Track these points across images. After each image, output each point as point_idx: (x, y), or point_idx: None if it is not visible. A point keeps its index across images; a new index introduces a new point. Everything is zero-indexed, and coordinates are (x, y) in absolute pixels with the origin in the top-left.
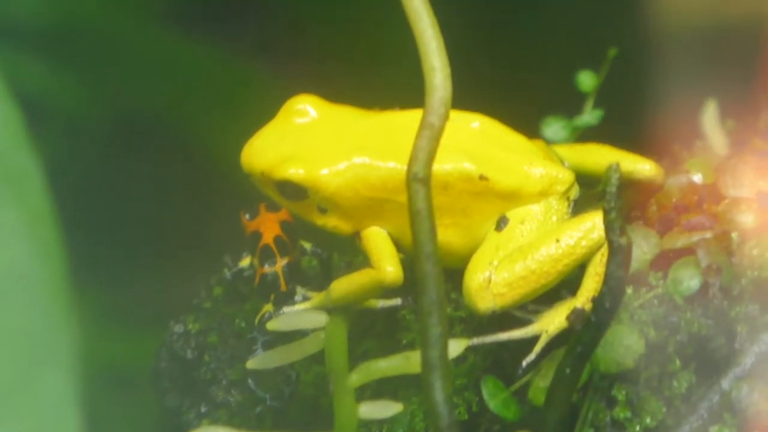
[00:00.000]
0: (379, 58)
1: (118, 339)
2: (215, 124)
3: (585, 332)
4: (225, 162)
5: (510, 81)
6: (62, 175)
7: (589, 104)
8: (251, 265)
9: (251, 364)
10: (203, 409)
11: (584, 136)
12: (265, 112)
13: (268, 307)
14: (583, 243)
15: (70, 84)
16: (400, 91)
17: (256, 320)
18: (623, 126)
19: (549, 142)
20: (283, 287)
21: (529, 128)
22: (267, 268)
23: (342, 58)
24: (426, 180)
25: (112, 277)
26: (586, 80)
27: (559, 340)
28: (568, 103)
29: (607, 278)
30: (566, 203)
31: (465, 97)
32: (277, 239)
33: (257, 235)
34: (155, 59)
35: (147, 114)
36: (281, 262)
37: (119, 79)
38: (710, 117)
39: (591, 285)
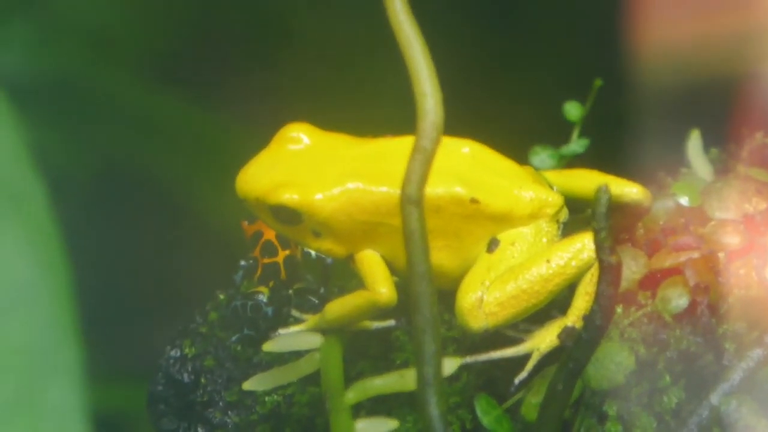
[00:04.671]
0: (369, 92)
1: (114, 376)
2: (199, 175)
3: (576, 349)
4: (209, 210)
5: (498, 111)
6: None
7: (575, 133)
8: (245, 294)
9: (248, 385)
10: (200, 431)
11: (571, 165)
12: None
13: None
14: (573, 263)
15: (56, 137)
16: (391, 122)
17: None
18: (609, 155)
19: (537, 170)
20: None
21: (517, 157)
22: (269, 259)
23: (332, 94)
24: (419, 202)
25: (104, 316)
26: (573, 110)
27: (550, 358)
28: (555, 133)
29: (598, 296)
30: (556, 225)
31: (453, 128)
32: (278, 236)
33: (259, 234)
34: (140, 114)
35: (132, 166)
36: (283, 254)
37: (105, 132)
38: (694, 145)
39: (581, 304)
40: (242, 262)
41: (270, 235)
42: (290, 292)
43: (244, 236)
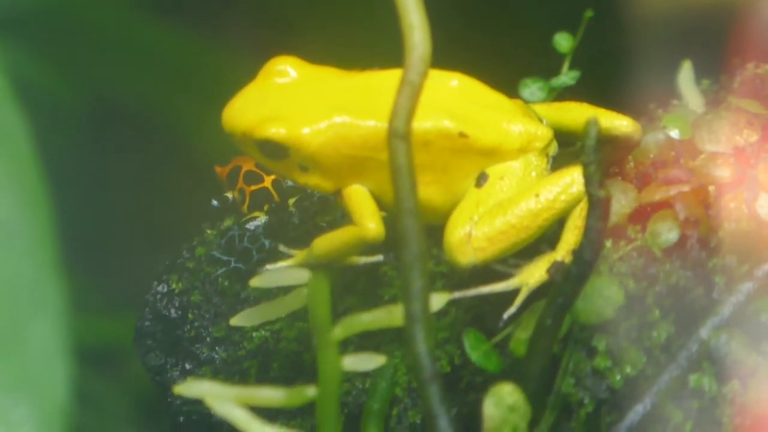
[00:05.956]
0: (357, 24)
1: (102, 312)
2: (188, 108)
3: (565, 284)
4: (197, 143)
5: (488, 43)
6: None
7: (566, 65)
8: (233, 226)
9: (235, 321)
10: (188, 367)
11: (561, 96)
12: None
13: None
14: (562, 197)
15: (41, 71)
16: (379, 55)
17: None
18: (600, 86)
19: (527, 103)
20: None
21: (507, 90)
22: (256, 186)
23: (321, 28)
24: (406, 136)
25: (91, 252)
26: (563, 41)
27: (539, 293)
28: (546, 65)
29: (587, 231)
30: (545, 159)
31: (443, 60)
32: (258, 164)
33: (237, 168)
34: (133, 46)
35: (120, 99)
36: (269, 179)
37: (97, 65)
38: (686, 77)
39: (570, 238)
40: (214, 202)
41: (249, 165)
42: (291, 209)
43: (219, 180)
